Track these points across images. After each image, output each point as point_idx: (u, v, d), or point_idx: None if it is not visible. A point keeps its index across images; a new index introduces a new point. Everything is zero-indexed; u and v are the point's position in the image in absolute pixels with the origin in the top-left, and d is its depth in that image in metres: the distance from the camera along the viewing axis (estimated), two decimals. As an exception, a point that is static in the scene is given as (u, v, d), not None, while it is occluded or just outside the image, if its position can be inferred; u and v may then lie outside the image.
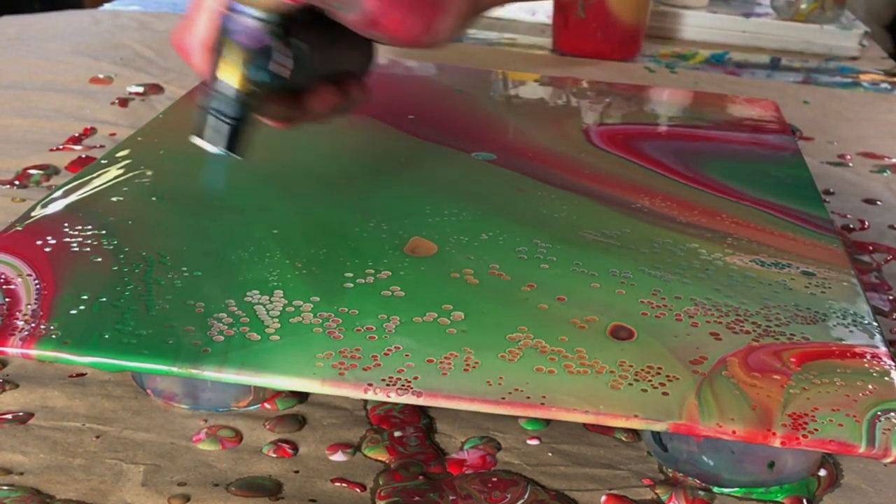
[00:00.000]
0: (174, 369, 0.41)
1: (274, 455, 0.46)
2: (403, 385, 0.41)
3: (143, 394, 0.50)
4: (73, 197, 0.54)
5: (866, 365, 0.44)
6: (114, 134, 0.82)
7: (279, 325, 0.44)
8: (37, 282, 0.46)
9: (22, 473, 0.44)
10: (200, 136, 0.45)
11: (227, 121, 0.45)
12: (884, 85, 1.17)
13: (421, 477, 0.45)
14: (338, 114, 0.53)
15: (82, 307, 0.44)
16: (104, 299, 0.45)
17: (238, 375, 0.41)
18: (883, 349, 0.46)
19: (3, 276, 0.46)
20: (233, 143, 0.45)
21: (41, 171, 0.74)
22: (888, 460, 0.40)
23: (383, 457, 0.47)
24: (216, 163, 0.46)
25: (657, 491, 0.46)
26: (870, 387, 0.43)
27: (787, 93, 1.10)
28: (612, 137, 0.71)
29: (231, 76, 0.45)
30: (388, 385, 0.41)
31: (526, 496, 0.45)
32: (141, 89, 0.93)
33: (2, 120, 0.84)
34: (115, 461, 0.45)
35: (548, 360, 0.43)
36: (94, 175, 0.57)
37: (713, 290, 0.50)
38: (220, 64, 0.45)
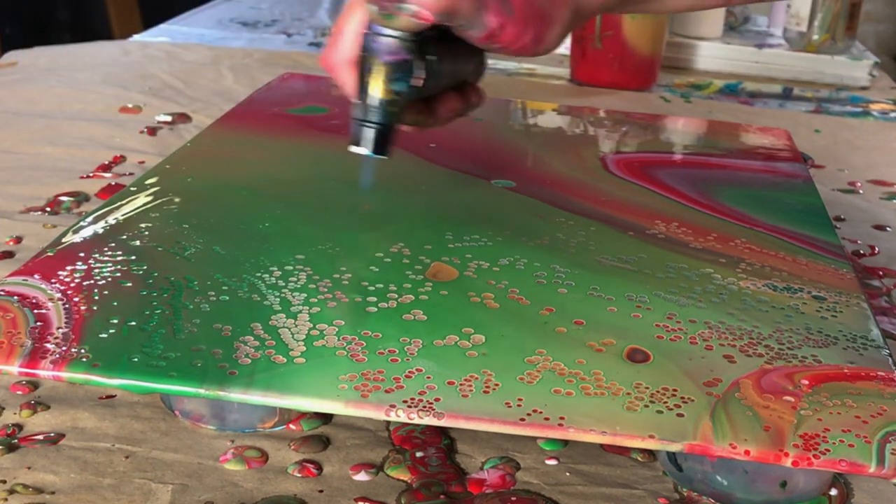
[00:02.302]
0: (202, 391, 0.42)
1: (299, 475, 0.47)
2: (425, 407, 0.42)
3: (171, 415, 0.51)
4: (103, 223, 0.55)
5: (876, 387, 0.45)
6: (142, 162, 0.83)
7: (304, 349, 0.45)
8: (67, 306, 0.47)
9: (53, 493, 0.45)
10: (355, 143, 0.52)
11: (374, 126, 0.52)
12: (893, 114, 1.18)
13: (442, 496, 0.46)
14: (459, 116, 0.60)
15: (112, 331, 0.45)
16: (133, 323, 0.46)
17: (264, 397, 0.42)
18: (893, 372, 0.46)
19: (35, 301, 0.47)
20: (380, 146, 0.52)
21: (72, 198, 0.75)
22: (898, 480, 0.41)
23: (405, 476, 0.47)
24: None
25: (673, 510, 0.47)
26: (880, 408, 0.43)
27: (799, 122, 1.11)
28: (629, 165, 0.72)
29: (376, 88, 0.51)
30: (410, 407, 0.42)
31: (544, 515, 0.46)
32: (169, 118, 0.94)
33: (34, 148, 0.85)
34: (144, 481, 0.46)
35: (566, 383, 0.44)
36: (124, 202, 0.58)
37: (727, 313, 0.50)
38: (366, 78, 0.51)
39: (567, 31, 0.56)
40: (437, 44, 0.53)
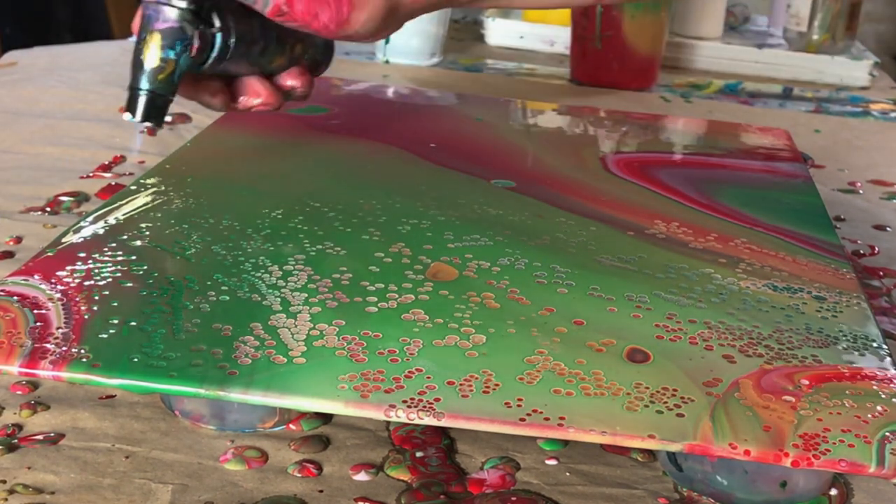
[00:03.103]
0: (202, 391, 0.42)
1: (299, 475, 0.47)
2: (425, 407, 0.42)
3: (171, 415, 0.51)
4: (103, 223, 0.55)
5: (876, 387, 0.45)
6: (142, 162, 0.83)
7: (304, 349, 0.45)
8: (67, 306, 0.47)
9: (53, 493, 0.45)
10: (127, 110, 0.53)
11: (144, 94, 0.53)
12: (893, 114, 1.18)
13: (442, 496, 0.46)
14: (273, 107, 0.60)
15: (112, 331, 0.45)
16: (133, 323, 0.46)
17: (264, 397, 0.42)
18: (892, 372, 0.46)
19: (35, 301, 0.47)
20: (149, 114, 0.53)
21: (72, 198, 0.75)
22: (898, 480, 0.41)
23: (405, 476, 0.47)
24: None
25: (673, 510, 0.47)
26: (879, 408, 0.43)
27: (798, 122, 1.11)
28: (629, 165, 0.72)
29: (146, 54, 0.53)
30: (410, 407, 0.42)
31: (544, 515, 0.46)
32: (169, 118, 0.94)
33: (34, 148, 0.85)
34: (144, 481, 0.46)
35: (566, 383, 0.44)
36: (124, 202, 0.58)
37: (727, 313, 0.51)
38: (140, 45, 0.53)
39: (381, 19, 0.56)
40: (234, 20, 0.54)
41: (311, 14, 0.53)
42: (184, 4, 0.52)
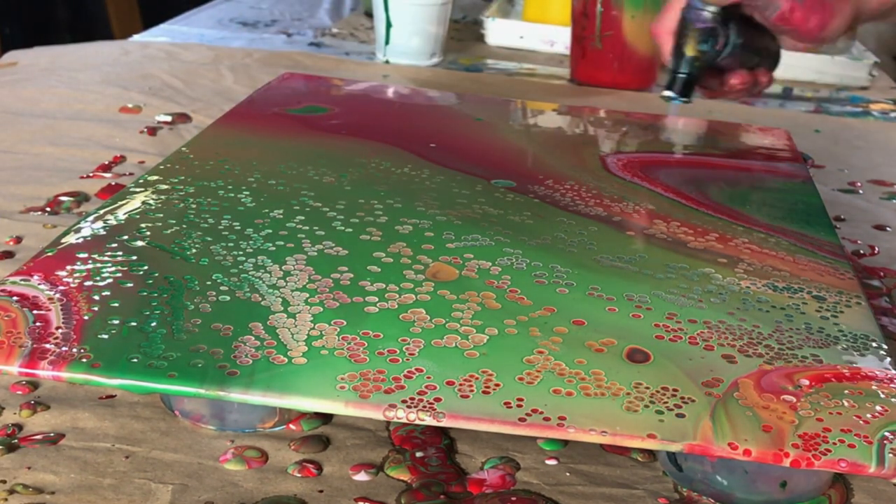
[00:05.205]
0: (202, 391, 0.42)
1: (299, 475, 0.47)
2: (425, 407, 0.42)
3: (171, 415, 0.51)
4: (103, 223, 0.55)
5: (876, 387, 0.45)
6: (142, 162, 0.83)
7: (304, 349, 0.45)
8: (67, 306, 0.47)
9: (53, 493, 0.45)
10: (667, 88, 0.71)
11: (683, 75, 0.70)
12: (893, 114, 1.18)
13: (442, 496, 0.46)
14: (745, 94, 0.76)
15: (112, 331, 0.45)
16: (133, 323, 0.46)
17: (264, 397, 0.42)
18: (893, 372, 0.46)
19: (35, 301, 0.47)
20: (685, 91, 0.71)
21: (72, 198, 0.75)
22: (898, 480, 0.41)
23: (405, 476, 0.47)
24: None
25: (673, 510, 0.47)
26: (879, 408, 0.43)
27: (798, 122, 1.11)
28: (629, 165, 0.72)
29: (688, 47, 0.70)
30: (410, 407, 0.42)
31: (544, 515, 0.46)
32: (169, 118, 0.95)
33: (34, 148, 0.85)
34: (144, 481, 0.46)
35: (566, 383, 0.44)
36: (124, 202, 0.58)
37: (727, 313, 0.51)
38: (682, 39, 0.70)
39: (848, 25, 0.69)
40: (739, 26, 0.70)
41: (804, 19, 0.67)
42: (718, 10, 0.68)
